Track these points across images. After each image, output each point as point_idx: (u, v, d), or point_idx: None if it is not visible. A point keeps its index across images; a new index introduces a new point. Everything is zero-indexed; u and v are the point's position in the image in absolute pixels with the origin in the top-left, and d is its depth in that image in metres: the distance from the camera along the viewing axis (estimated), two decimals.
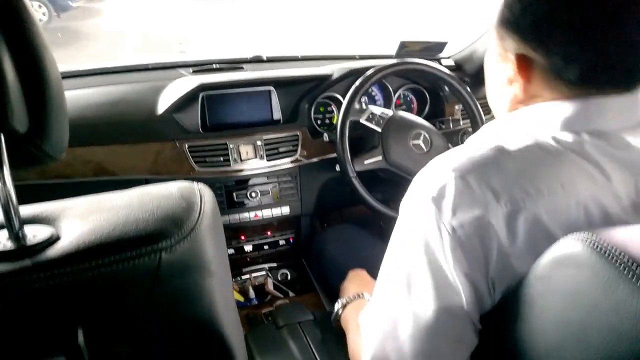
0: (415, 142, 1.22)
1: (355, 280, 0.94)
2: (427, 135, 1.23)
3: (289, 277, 1.46)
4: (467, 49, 1.61)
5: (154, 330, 0.44)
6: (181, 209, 0.45)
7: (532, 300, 0.46)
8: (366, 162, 1.21)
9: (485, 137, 0.59)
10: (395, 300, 0.55)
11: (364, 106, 1.26)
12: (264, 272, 1.44)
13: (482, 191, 0.49)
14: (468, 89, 1.29)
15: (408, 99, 1.54)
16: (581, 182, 0.49)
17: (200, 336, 0.46)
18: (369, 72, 1.21)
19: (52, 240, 0.41)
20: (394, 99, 1.49)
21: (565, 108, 0.53)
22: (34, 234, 0.41)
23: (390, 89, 1.47)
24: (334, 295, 0.96)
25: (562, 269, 0.43)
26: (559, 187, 0.49)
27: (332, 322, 0.85)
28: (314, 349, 0.95)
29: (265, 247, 1.46)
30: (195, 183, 0.51)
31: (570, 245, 0.42)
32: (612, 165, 0.50)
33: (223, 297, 0.49)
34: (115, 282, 0.40)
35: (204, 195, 0.49)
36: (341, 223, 1.59)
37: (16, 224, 0.41)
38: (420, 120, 1.28)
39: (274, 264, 1.48)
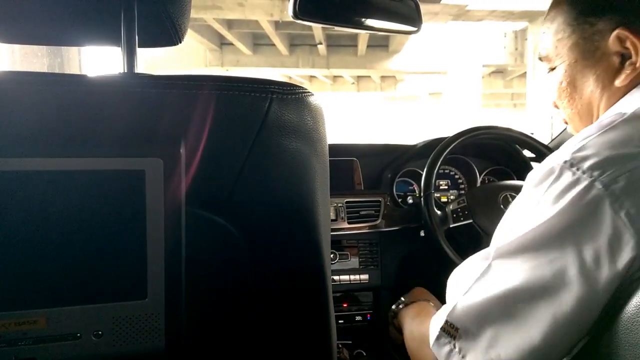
0: (507, 206, 1.16)
1: (419, 293, 0.99)
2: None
3: (364, 356, 1.32)
4: (556, 139, 1.59)
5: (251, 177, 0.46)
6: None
7: None
8: (452, 225, 1.17)
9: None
10: None
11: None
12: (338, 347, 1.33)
13: None
14: None
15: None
16: None
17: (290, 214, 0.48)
18: (454, 134, 1.23)
19: None
20: (479, 182, 1.47)
21: None
22: None
23: (476, 169, 1.47)
24: None
25: None
26: None
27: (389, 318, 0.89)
28: None
29: (340, 321, 1.37)
30: None
31: None
32: None
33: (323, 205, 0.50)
34: (226, 105, 0.44)
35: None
36: None
37: None
38: (506, 182, 1.24)
39: (349, 342, 1.36)
